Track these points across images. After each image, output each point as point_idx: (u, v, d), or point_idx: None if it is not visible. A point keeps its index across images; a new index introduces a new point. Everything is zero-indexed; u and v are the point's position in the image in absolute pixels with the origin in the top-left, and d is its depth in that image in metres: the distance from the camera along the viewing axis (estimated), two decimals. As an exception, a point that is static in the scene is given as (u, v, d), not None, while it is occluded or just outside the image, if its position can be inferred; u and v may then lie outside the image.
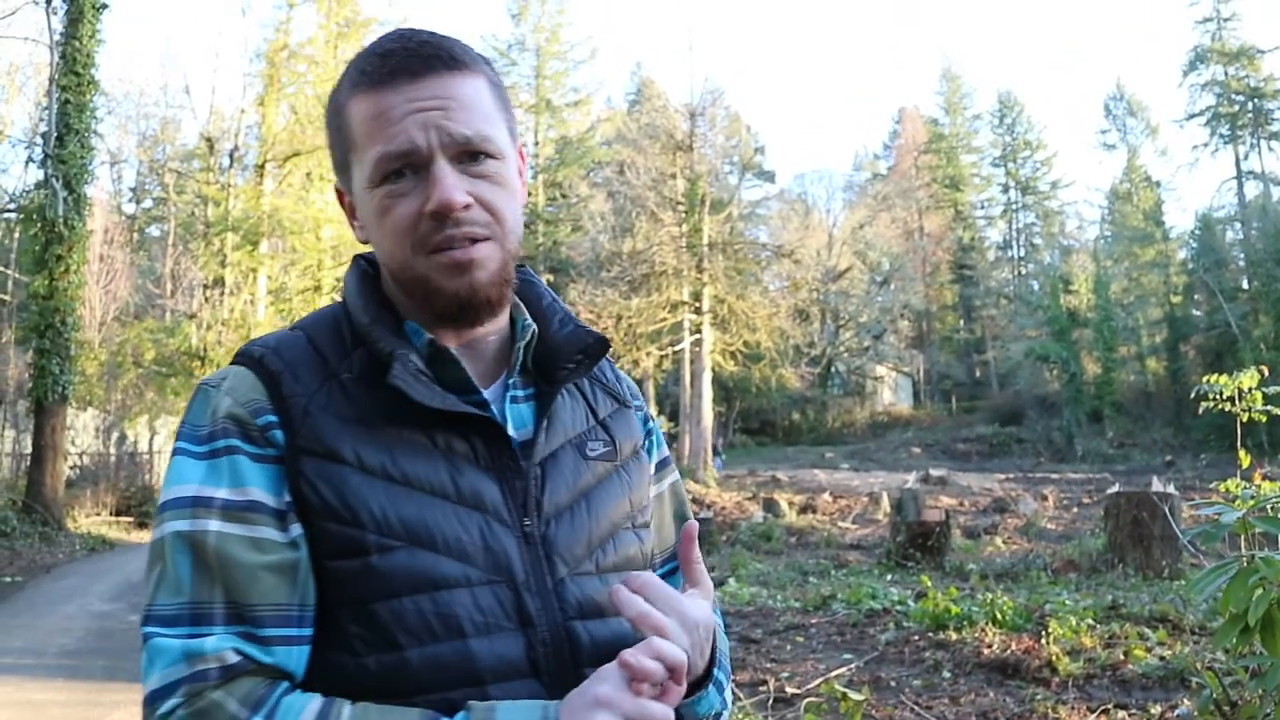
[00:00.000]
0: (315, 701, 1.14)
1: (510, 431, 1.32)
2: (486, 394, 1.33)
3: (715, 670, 1.33)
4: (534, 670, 1.24)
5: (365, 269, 1.39)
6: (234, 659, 1.14)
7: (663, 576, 1.42)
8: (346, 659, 1.21)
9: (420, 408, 1.24)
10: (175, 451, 1.24)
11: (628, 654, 1.14)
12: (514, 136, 1.37)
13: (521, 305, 1.42)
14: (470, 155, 1.27)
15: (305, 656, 1.21)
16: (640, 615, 1.18)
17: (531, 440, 1.34)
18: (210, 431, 1.23)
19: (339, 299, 1.41)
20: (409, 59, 1.26)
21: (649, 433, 1.54)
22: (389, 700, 1.17)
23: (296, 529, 1.21)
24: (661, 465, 1.57)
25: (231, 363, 1.31)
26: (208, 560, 1.17)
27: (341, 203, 1.39)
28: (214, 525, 1.18)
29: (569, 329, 1.42)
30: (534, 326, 1.40)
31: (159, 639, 1.15)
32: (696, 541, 1.38)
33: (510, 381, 1.38)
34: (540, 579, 1.28)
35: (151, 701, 1.14)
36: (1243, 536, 3.42)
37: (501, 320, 1.38)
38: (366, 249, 1.39)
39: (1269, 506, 3.51)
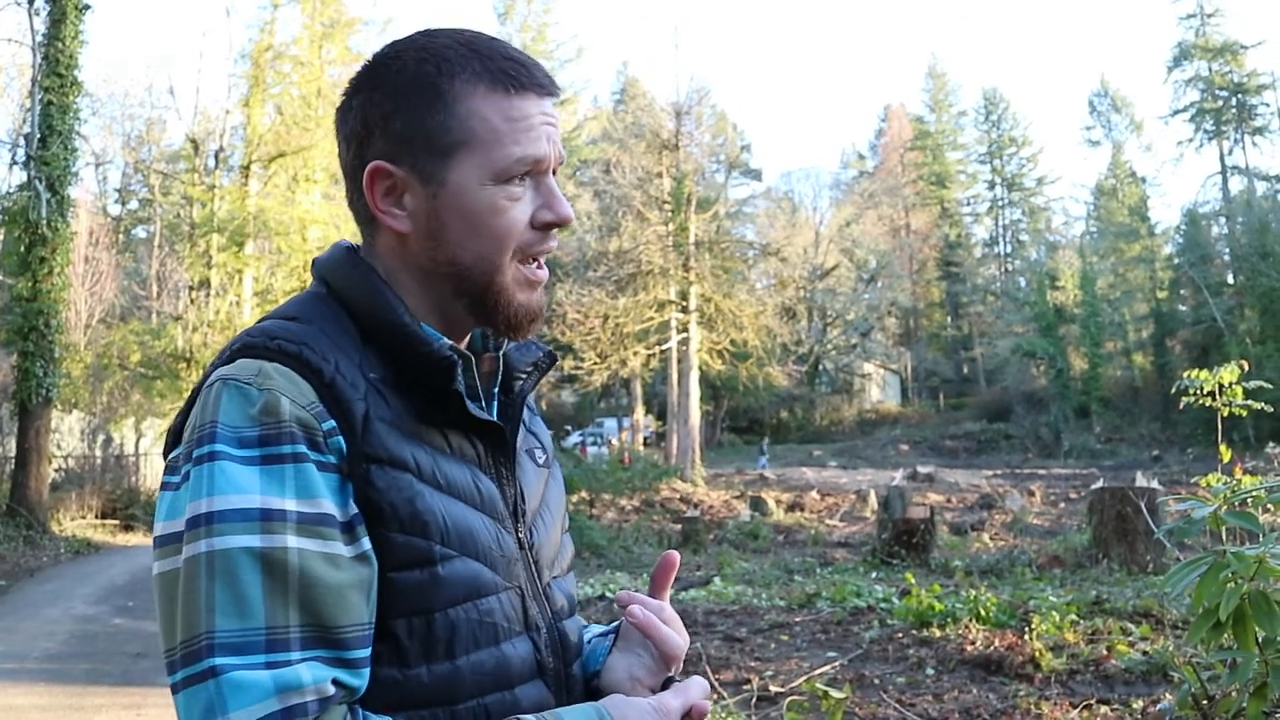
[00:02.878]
0: None
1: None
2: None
3: None
4: (540, 671, 1.29)
5: (365, 261, 1.32)
6: (331, 690, 1.07)
7: None
8: (395, 672, 1.17)
9: (440, 413, 1.25)
10: (211, 456, 1.10)
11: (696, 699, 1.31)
12: None
13: None
14: (555, 173, 1.33)
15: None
16: (671, 646, 1.35)
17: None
18: (263, 434, 1.12)
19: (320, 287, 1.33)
20: (540, 74, 1.30)
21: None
22: (434, 709, 1.18)
23: (365, 542, 1.14)
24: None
25: (254, 357, 1.18)
26: (287, 580, 1.07)
27: (371, 184, 1.27)
28: (292, 541, 1.08)
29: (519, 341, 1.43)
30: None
31: (238, 672, 1.03)
32: (674, 572, 1.43)
33: (494, 390, 1.39)
34: (534, 583, 1.32)
35: None
36: (1221, 531, 3.43)
37: None
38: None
39: (1246, 500, 3.51)
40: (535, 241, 1.29)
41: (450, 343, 1.28)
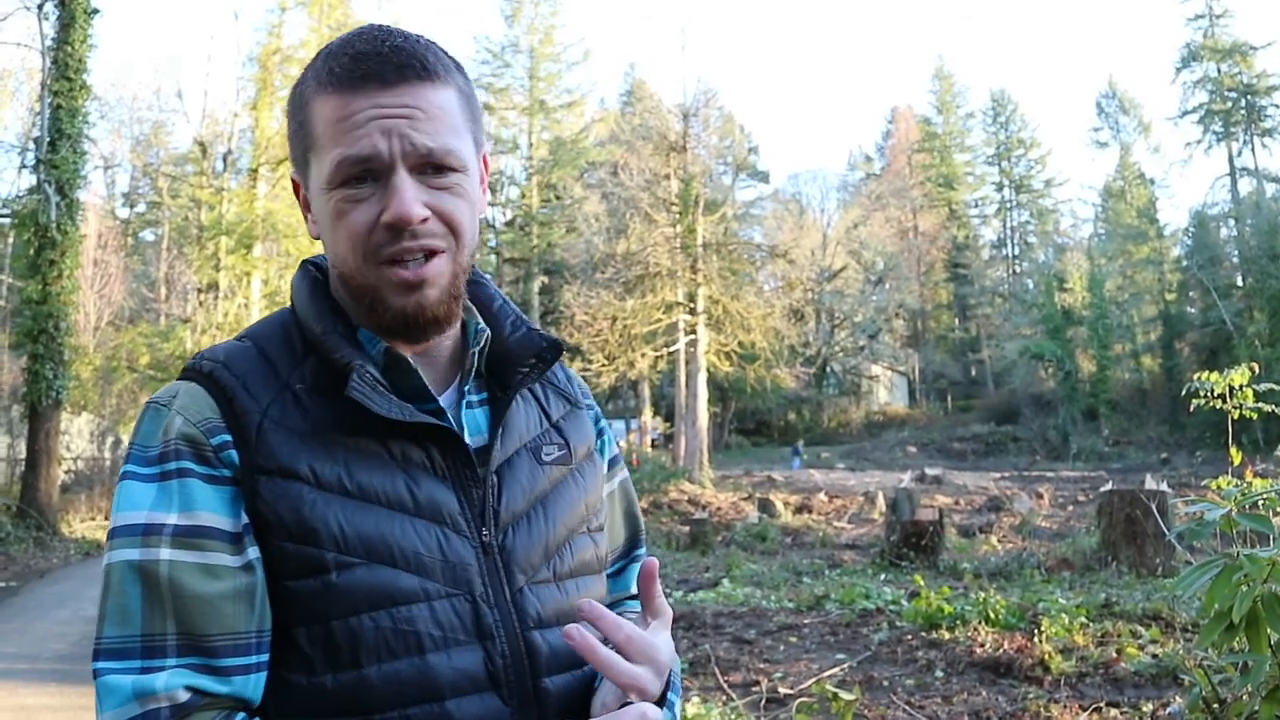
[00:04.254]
0: None
1: (466, 439, 1.29)
2: (441, 400, 1.30)
3: (669, 693, 1.29)
4: (493, 683, 1.22)
5: (314, 274, 1.35)
6: (185, 696, 1.10)
7: (612, 575, 1.49)
8: (302, 678, 1.18)
9: (377, 418, 1.21)
10: (123, 475, 1.19)
11: None
12: (479, 147, 1.33)
13: (474, 309, 1.40)
14: (433, 167, 1.24)
15: (263, 682, 1.18)
16: (618, 674, 1.17)
17: (487, 447, 1.31)
18: (160, 452, 1.18)
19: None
20: (381, 64, 1.22)
21: (600, 432, 1.52)
22: (347, 719, 1.16)
23: (253, 552, 1.17)
24: (613, 464, 1.55)
25: (180, 378, 1.26)
26: (159, 590, 1.12)
27: (297, 194, 1.35)
28: (165, 553, 1.13)
29: (521, 332, 1.40)
30: (488, 331, 1.38)
31: (109, 676, 1.10)
32: (658, 579, 1.30)
33: (465, 388, 1.35)
34: (498, 590, 1.26)
35: None
36: (1233, 534, 3.42)
37: (453, 327, 1.35)
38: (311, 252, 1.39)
39: (1257, 503, 3.51)
40: (385, 243, 1.22)
41: (385, 345, 1.27)
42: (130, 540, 1.14)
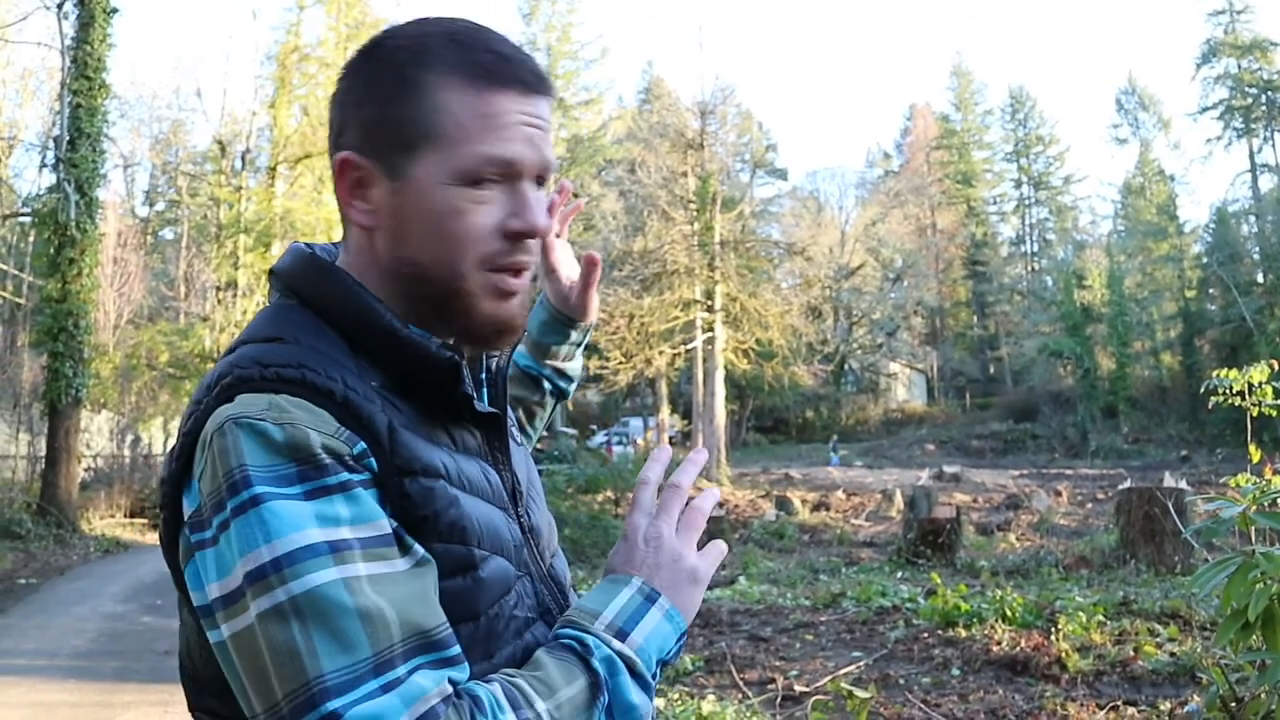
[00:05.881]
0: (497, 687, 1.08)
1: None
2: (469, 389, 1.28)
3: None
4: None
5: (331, 264, 1.27)
6: (450, 689, 1.03)
7: None
8: None
9: (445, 409, 1.22)
10: (254, 501, 1.03)
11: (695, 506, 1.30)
12: None
13: None
14: (541, 181, 1.25)
15: None
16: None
17: None
18: (300, 471, 1.06)
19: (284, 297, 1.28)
20: (528, 72, 1.22)
21: None
22: None
23: (419, 547, 1.11)
24: None
25: (253, 390, 1.11)
26: (374, 606, 1.02)
27: (342, 173, 1.23)
28: (363, 568, 1.03)
29: None
30: None
31: (361, 706, 0.98)
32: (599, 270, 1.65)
33: (481, 377, 1.36)
34: (539, 567, 1.29)
35: None
36: (1250, 532, 3.40)
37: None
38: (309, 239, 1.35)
39: (1276, 501, 3.48)
40: (503, 252, 1.21)
41: (439, 340, 1.23)
42: (319, 563, 1.01)
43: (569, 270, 1.69)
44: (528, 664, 1.14)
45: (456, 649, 1.08)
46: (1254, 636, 3.13)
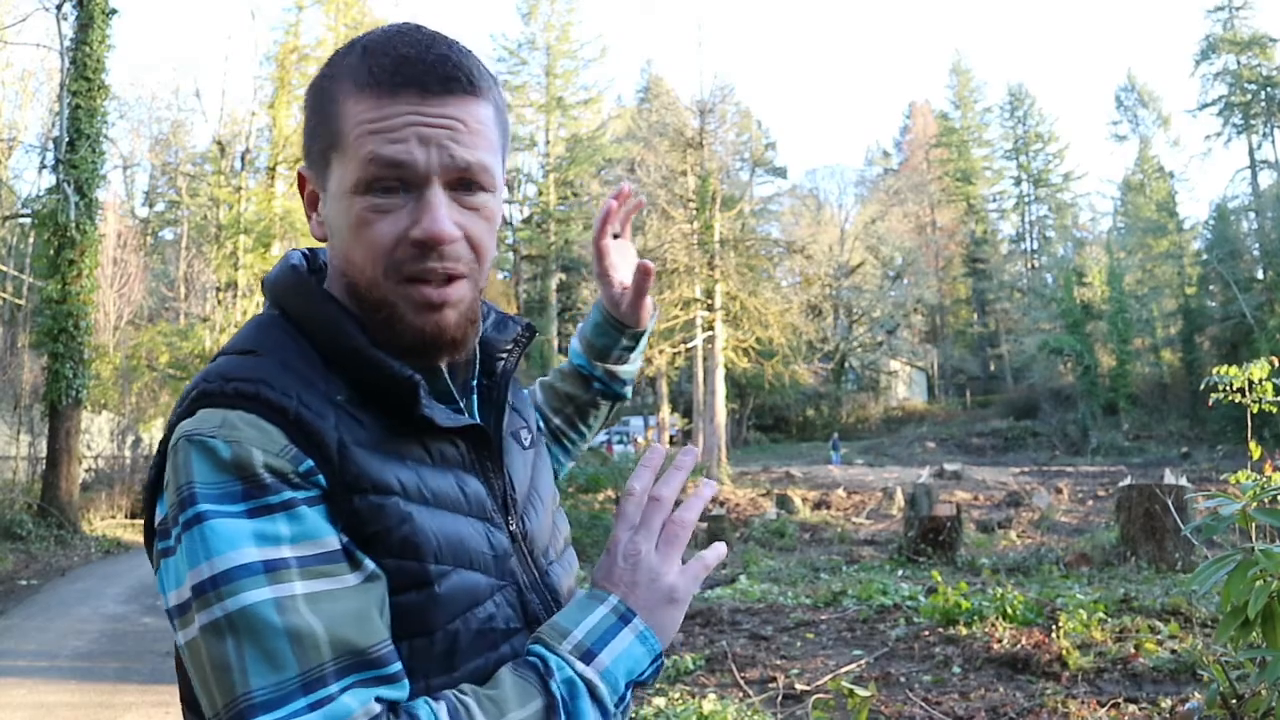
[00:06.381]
0: (443, 706, 1.08)
1: None
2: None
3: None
4: None
5: (311, 278, 1.28)
6: (377, 709, 1.04)
7: None
8: None
9: (421, 423, 1.19)
10: (199, 518, 1.05)
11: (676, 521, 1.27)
12: (505, 165, 1.31)
13: None
14: (465, 184, 1.20)
15: None
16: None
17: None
18: (246, 488, 1.07)
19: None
20: (426, 75, 1.17)
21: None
22: None
23: (370, 561, 1.11)
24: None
25: (213, 405, 1.12)
26: (306, 625, 1.03)
27: (302, 190, 1.28)
28: (299, 587, 1.04)
29: (493, 318, 1.41)
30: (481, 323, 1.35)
31: None
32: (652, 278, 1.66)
33: (472, 383, 1.35)
34: (532, 576, 1.28)
35: None
36: (1252, 528, 3.40)
37: (468, 350, 1.33)
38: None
39: (1276, 498, 3.48)
40: (408, 260, 1.18)
41: (401, 364, 1.20)
42: (252, 582, 1.03)
43: (623, 275, 1.70)
44: (489, 681, 1.14)
45: (396, 666, 1.08)
46: (1254, 634, 3.13)
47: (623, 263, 1.71)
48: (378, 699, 1.04)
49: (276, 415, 1.11)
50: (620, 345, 1.75)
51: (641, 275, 1.65)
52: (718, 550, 1.31)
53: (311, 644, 1.03)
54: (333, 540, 1.09)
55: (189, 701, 1.18)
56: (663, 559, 1.24)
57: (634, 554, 1.23)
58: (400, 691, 1.08)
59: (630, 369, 1.80)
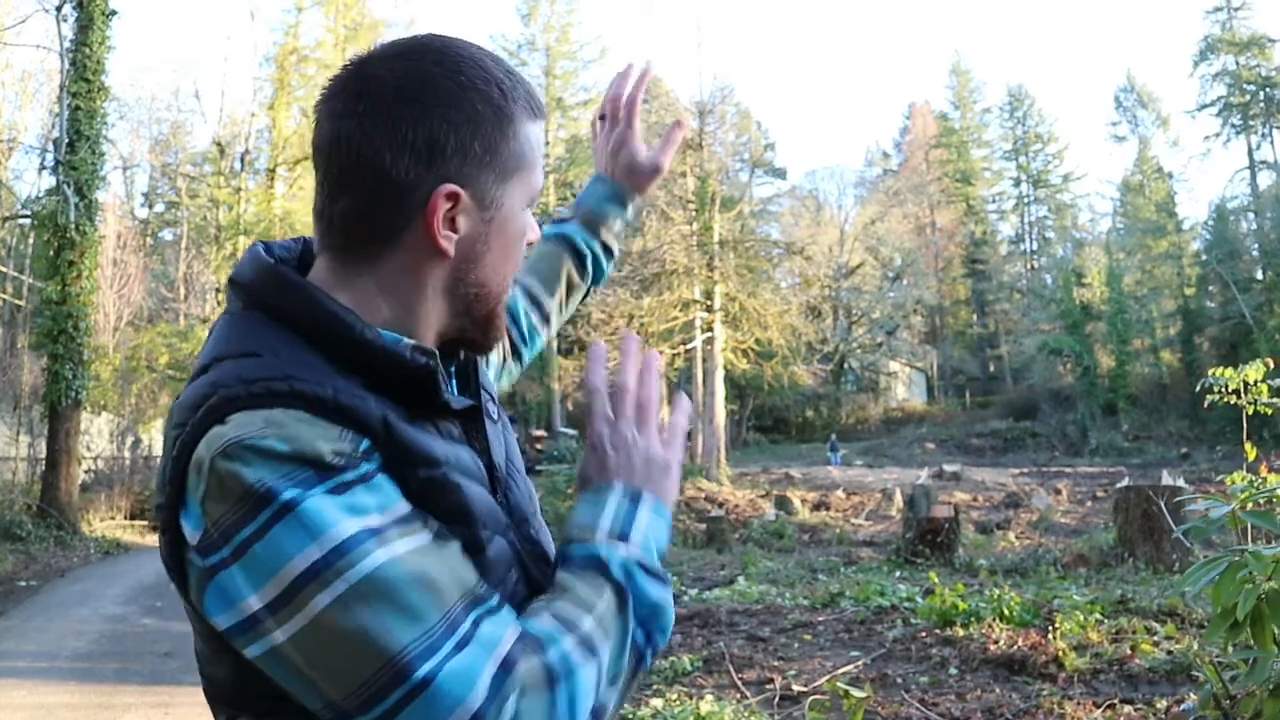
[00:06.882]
0: (546, 617, 1.15)
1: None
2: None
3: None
4: None
5: (293, 275, 1.24)
6: (518, 629, 1.10)
7: None
8: None
9: (446, 409, 1.23)
10: (289, 506, 1.03)
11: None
12: None
13: None
14: None
15: None
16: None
17: None
18: (316, 474, 1.06)
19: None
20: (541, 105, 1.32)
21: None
22: None
23: (436, 522, 1.13)
24: None
25: (243, 409, 1.08)
26: (425, 576, 1.06)
27: (437, 205, 1.20)
28: (402, 545, 1.06)
29: None
30: None
31: (448, 665, 1.03)
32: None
33: (452, 368, 1.38)
34: (526, 542, 1.31)
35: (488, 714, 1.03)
36: (1247, 530, 3.43)
37: None
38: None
39: (1272, 499, 3.50)
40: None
41: (412, 343, 1.22)
42: (365, 549, 1.04)
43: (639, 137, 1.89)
44: (554, 589, 1.20)
45: (497, 597, 1.12)
46: (1243, 634, 3.15)
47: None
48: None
49: (317, 405, 1.10)
50: (623, 215, 1.94)
51: (675, 126, 1.87)
52: (683, 407, 1.39)
53: (437, 590, 1.06)
54: (406, 506, 1.11)
55: (227, 699, 1.19)
56: (646, 436, 1.32)
57: (622, 441, 1.30)
58: (513, 616, 1.12)
59: (618, 244, 1.98)
